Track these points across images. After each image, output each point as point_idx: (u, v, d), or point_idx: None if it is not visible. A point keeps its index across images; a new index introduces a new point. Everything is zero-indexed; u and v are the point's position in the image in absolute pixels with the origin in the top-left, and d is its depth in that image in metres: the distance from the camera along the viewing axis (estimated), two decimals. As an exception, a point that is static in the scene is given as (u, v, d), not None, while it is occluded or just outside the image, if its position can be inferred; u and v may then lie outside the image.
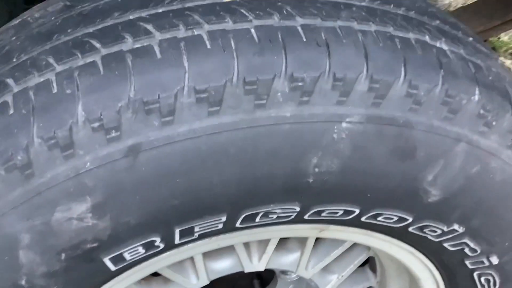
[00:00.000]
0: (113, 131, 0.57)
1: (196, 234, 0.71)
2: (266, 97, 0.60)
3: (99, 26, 0.62)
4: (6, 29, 0.69)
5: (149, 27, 0.61)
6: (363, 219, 0.76)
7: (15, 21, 0.70)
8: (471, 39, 0.76)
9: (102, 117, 0.57)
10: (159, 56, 0.58)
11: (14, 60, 0.62)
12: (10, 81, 0.60)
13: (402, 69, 0.63)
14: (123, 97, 0.57)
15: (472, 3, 1.37)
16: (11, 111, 0.58)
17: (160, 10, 0.63)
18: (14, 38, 0.66)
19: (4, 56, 0.64)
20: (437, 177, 0.70)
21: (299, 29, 0.62)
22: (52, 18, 0.66)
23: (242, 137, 0.61)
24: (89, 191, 0.59)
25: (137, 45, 0.59)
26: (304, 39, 0.61)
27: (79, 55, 0.59)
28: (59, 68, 0.59)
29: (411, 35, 0.67)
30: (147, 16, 0.62)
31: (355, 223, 0.77)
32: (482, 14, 1.49)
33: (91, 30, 0.62)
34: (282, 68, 0.59)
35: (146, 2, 0.64)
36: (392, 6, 0.71)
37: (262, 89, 0.59)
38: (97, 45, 0.60)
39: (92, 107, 0.57)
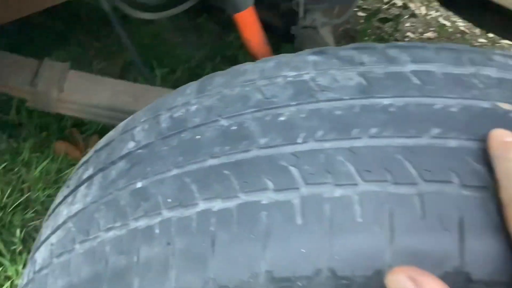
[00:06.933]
0: None
1: None
2: None
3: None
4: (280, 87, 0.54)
5: None
6: None
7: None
8: None
9: None
10: None
11: (299, 141, 0.48)
12: (298, 176, 0.45)
13: None
14: None
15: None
16: (300, 221, 0.43)
17: None
18: (294, 104, 0.51)
19: (284, 128, 0.49)
20: None
21: None
22: (345, 98, 0.52)
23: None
24: None
25: None
26: None
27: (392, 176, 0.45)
28: (362, 186, 0.44)
29: None
30: None
31: None
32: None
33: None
34: None
35: None
36: None
37: None
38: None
39: None
